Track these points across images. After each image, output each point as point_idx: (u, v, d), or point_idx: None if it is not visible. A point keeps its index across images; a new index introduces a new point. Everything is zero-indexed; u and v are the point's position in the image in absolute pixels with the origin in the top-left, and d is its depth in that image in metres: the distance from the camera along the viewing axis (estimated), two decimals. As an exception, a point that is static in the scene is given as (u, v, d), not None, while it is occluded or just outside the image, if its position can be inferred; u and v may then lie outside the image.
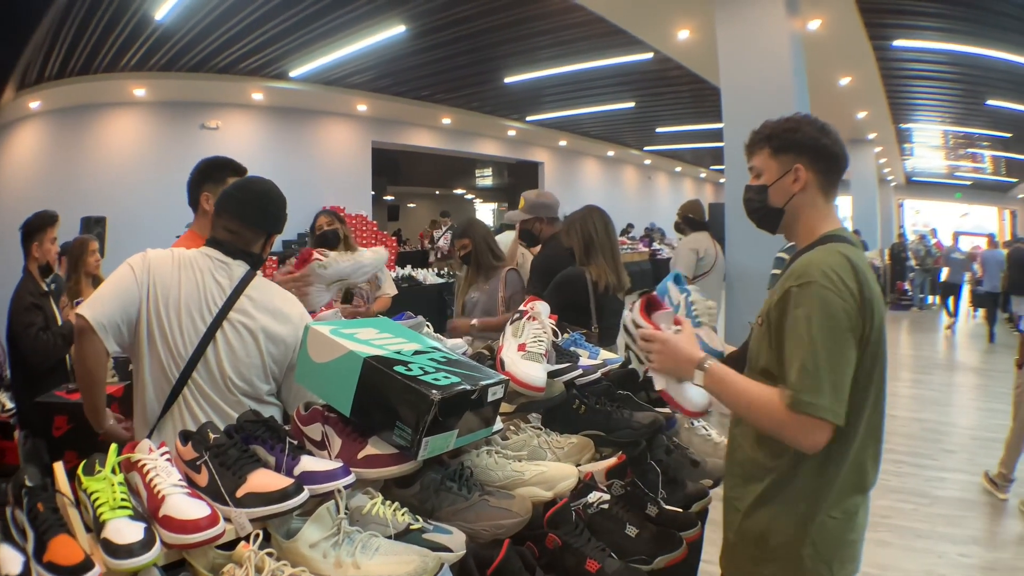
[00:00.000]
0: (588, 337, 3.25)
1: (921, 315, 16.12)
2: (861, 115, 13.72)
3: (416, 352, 1.63)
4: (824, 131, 1.75)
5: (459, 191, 26.76)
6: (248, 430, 1.56)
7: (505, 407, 1.96)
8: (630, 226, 20.19)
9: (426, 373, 1.50)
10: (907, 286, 17.20)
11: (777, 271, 5.00)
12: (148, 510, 1.35)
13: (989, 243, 14.69)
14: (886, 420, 1.73)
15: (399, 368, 1.48)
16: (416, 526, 1.42)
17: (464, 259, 4.23)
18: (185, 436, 1.54)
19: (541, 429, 1.97)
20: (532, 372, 1.89)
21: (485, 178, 23.55)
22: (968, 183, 24.63)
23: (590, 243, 3.67)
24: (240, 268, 2.10)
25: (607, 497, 1.82)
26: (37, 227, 4.06)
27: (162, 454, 1.47)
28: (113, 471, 1.38)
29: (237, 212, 2.13)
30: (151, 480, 1.39)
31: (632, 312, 1.92)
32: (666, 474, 2.11)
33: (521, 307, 2.12)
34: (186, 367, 1.98)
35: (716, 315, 2.22)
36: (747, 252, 6.04)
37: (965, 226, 26.30)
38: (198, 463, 1.46)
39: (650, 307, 1.92)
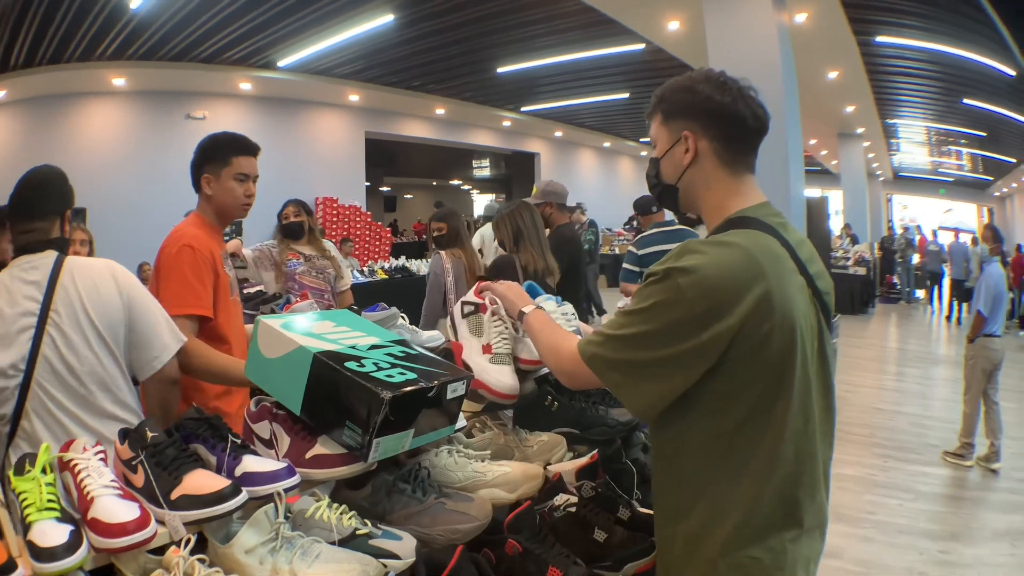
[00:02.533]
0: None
1: (908, 308, 16.16)
2: (849, 109, 13.78)
3: (372, 347, 1.54)
4: (723, 87, 1.42)
5: (456, 182, 26.70)
6: (188, 428, 1.47)
7: (473, 405, 1.88)
8: (632, 219, 20.13)
9: (379, 369, 1.41)
10: (895, 280, 17.24)
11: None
12: (79, 512, 1.28)
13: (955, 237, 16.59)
14: (835, 434, 1.47)
15: (351, 364, 1.40)
16: (363, 531, 1.34)
17: (436, 240, 4.63)
18: (124, 433, 1.46)
19: (508, 426, 1.89)
20: (503, 379, 1.73)
21: (482, 169, 23.46)
22: (951, 180, 25.05)
23: (519, 234, 4.09)
24: (48, 258, 1.94)
25: (575, 500, 1.73)
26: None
27: (96, 453, 1.39)
28: (43, 471, 1.31)
29: (24, 213, 1.99)
30: (81, 481, 1.32)
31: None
32: (642, 474, 2.03)
33: (471, 296, 1.92)
34: (26, 372, 1.82)
35: (574, 319, 2.10)
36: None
37: (948, 222, 26.73)
38: (134, 463, 1.38)
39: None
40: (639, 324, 1.30)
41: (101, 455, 1.40)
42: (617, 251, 16.42)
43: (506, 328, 1.82)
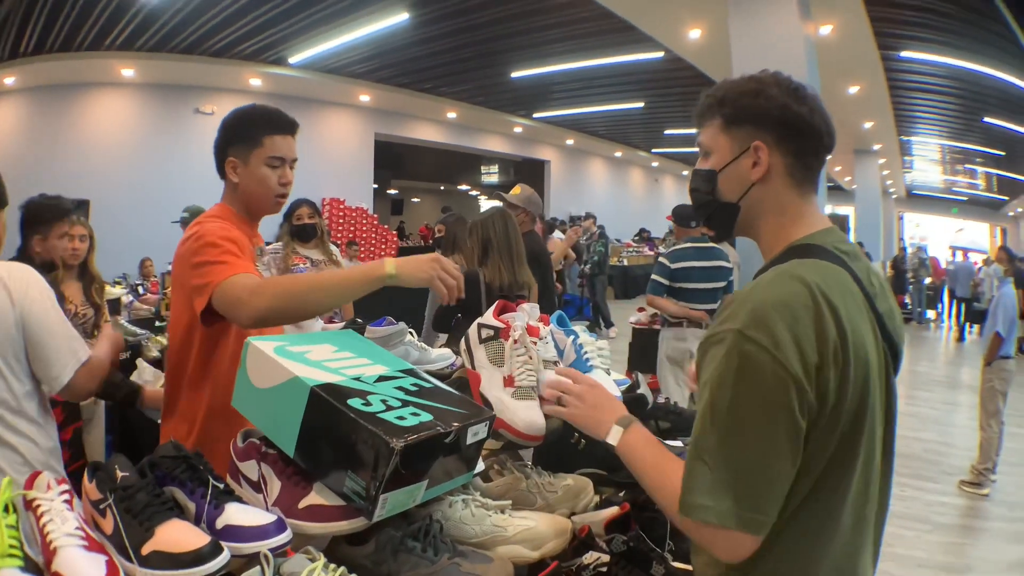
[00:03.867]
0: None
1: (919, 330, 15.92)
2: (868, 125, 13.59)
3: (380, 378, 1.33)
4: (799, 95, 1.23)
5: (464, 187, 26.55)
6: (164, 468, 1.26)
7: (490, 442, 1.66)
8: (643, 231, 19.97)
9: (388, 409, 1.20)
10: (907, 300, 17.01)
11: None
12: (43, 561, 1.11)
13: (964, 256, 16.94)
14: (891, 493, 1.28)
15: (355, 402, 1.19)
16: (364, 601, 1.13)
17: (436, 242, 4.64)
18: (93, 469, 1.27)
19: (530, 468, 1.67)
20: (531, 416, 1.50)
21: (491, 175, 23.32)
22: (964, 199, 24.93)
23: (488, 245, 3.77)
24: None
25: (606, 558, 1.50)
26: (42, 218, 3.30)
27: (60, 493, 1.21)
28: (6, 509, 1.13)
29: None
30: (44, 526, 1.14)
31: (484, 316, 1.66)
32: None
33: (490, 318, 1.67)
34: None
35: (609, 356, 1.88)
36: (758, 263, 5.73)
37: (960, 241, 26.59)
38: (102, 506, 1.19)
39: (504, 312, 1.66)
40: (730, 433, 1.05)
41: (66, 495, 1.22)
42: (626, 262, 16.21)
43: (531, 358, 1.61)
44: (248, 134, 1.96)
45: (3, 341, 1.68)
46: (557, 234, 10.17)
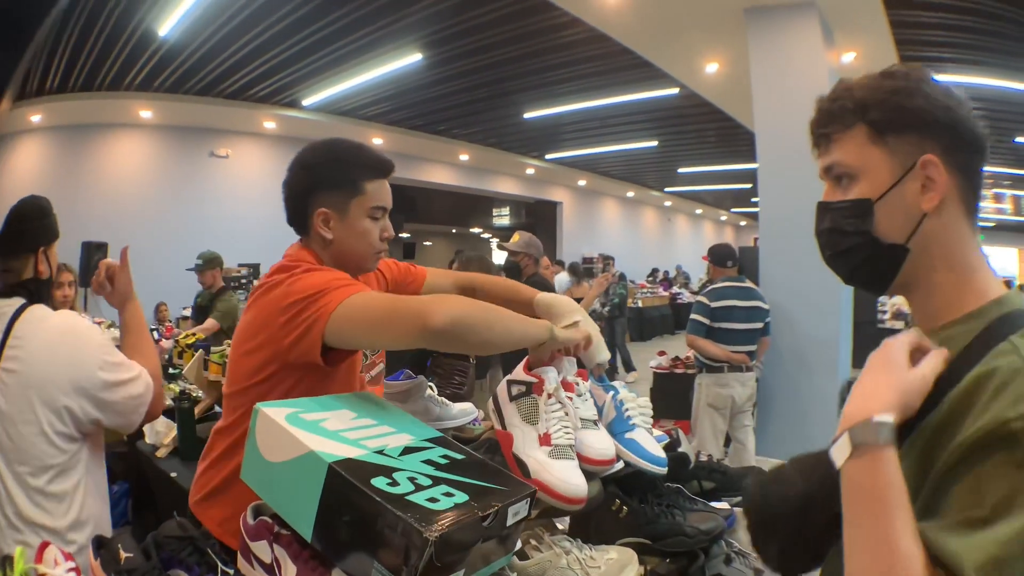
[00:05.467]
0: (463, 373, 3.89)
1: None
2: (894, 153, 13.40)
3: (406, 450, 1.17)
4: (950, 95, 0.95)
5: (476, 230, 26.55)
6: (170, 549, 1.16)
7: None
8: (655, 271, 19.84)
9: (417, 489, 1.04)
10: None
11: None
12: None
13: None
14: None
15: (379, 482, 1.03)
16: None
17: None
18: (98, 544, 1.19)
19: (569, 541, 1.50)
20: (572, 479, 1.35)
21: (502, 217, 23.27)
22: (991, 224, 24.37)
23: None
24: (11, 306, 1.67)
25: (659, 648, 1.34)
26: None
27: (68, 571, 1.12)
28: None
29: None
30: None
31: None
32: (724, 592, 1.65)
33: (520, 373, 1.51)
34: None
35: (650, 415, 1.73)
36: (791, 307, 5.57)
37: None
38: None
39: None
40: None
41: (72, 573, 1.13)
42: (640, 303, 16.00)
43: (566, 415, 1.45)
44: (346, 180, 1.63)
45: (58, 399, 1.66)
46: (563, 276, 9.93)
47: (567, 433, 1.44)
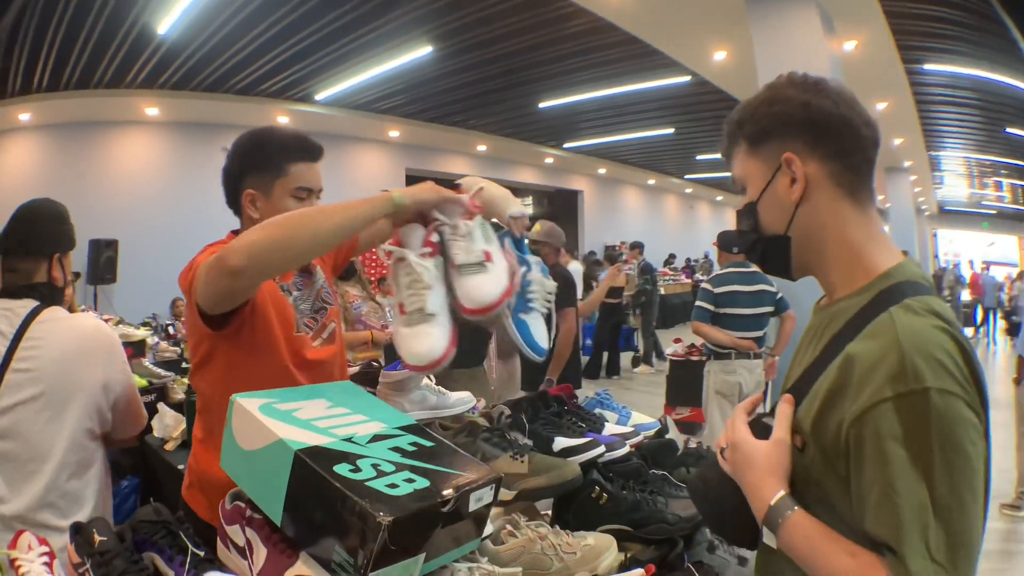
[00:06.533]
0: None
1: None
2: (897, 142, 13.36)
3: (375, 437, 1.21)
4: (819, 89, 1.05)
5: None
6: (143, 532, 1.21)
7: (504, 493, 1.54)
8: (672, 256, 19.74)
9: (379, 475, 1.08)
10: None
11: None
12: None
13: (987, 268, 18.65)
14: None
15: (341, 468, 1.07)
16: None
17: None
18: (75, 530, 1.22)
19: (546, 527, 1.53)
20: (414, 346, 1.36)
21: (525, 207, 23.17)
22: (993, 212, 24.52)
23: None
24: (25, 307, 1.72)
25: (631, 632, 1.36)
26: None
27: (41, 555, 1.16)
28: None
29: (9, 248, 1.79)
30: None
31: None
32: (705, 579, 1.66)
33: (388, 244, 1.49)
34: None
35: (552, 302, 1.66)
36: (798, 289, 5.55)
37: (992, 255, 26.20)
38: (81, 570, 1.15)
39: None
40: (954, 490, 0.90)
41: (45, 557, 1.17)
42: (662, 291, 15.92)
43: (418, 276, 1.43)
44: (270, 161, 1.70)
45: (71, 399, 1.74)
46: (575, 264, 9.74)
47: (415, 297, 1.42)
